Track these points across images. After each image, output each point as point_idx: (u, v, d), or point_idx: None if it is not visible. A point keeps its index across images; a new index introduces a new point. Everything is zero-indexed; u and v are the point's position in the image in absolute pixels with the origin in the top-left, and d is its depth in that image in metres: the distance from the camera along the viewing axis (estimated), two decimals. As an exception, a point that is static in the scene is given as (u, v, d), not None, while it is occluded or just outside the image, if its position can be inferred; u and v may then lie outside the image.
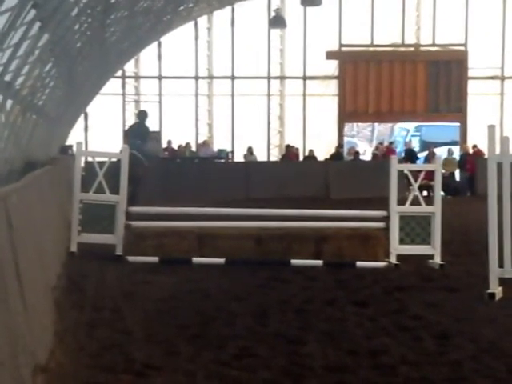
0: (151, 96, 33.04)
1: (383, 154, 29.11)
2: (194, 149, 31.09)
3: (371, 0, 32.68)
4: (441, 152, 28.59)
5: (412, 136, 33.67)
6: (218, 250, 12.26)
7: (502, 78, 33.17)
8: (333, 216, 12.96)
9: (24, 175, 10.34)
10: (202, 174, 24.98)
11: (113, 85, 32.46)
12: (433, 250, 12.19)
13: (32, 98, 20.30)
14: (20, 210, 6.43)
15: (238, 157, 31.15)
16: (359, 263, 11.87)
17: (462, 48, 32.86)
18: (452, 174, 28.00)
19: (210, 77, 33.38)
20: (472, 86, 32.91)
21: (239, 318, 8.30)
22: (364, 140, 34.55)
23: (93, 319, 8.16)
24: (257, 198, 21.87)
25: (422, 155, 30.52)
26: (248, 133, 32.50)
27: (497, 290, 9.45)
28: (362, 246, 12.39)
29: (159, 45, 32.50)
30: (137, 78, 33.30)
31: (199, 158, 29.61)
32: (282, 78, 33.46)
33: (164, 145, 30.40)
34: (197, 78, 33.15)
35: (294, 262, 11.93)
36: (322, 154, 30.36)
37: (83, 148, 16.82)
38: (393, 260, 12.09)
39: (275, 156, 32.99)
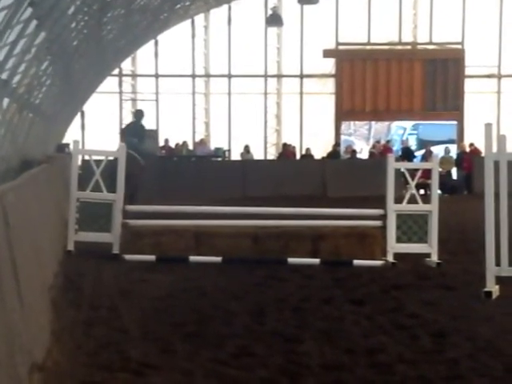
0: (148, 94, 33.00)
1: (380, 152, 29.12)
2: (190, 147, 31.08)
3: (368, -2, 32.69)
4: (438, 150, 28.60)
5: (409, 134, 33.71)
6: (215, 249, 12.26)
7: (499, 77, 33.18)
8: (330, 214, 12.96)
9: (21, 173, 10.33)
10: (199, 172, 24.99)
11: (110, 83, 32.42)
12: (430, 248, 12.20)
13: (29, 96, 20.27)
14: (17, 208, 6.42)
15: (235, 155, 31.15)
16: (356, 262, 11.87)
17: (459, 46, 32.86)
18: (449, 173, 28.03)
19: (207, 75, 33.36)
20: (469, 85, 32.92)
21: (236, 317, 8.30)
22: (361, 138, 34.59)
23: (90, 318, 8.15)
24: (254, 197, 21.88)
25: (418, 153, 30.56)
26: (245, 131, 32.48)
27: (493, 288, 9.45)
28: (359, 245, 12.40)
29: (156, 43, 32.47)
30: (134, 76, 33.27)
31: (196, 156, 29.60)
32: (279, 76, 33.44)
33: (161, 143, 30.39)
34: (194, 76, 33.13)
35: (290, 260, 11.93)
36: (318, 153, 30.36)
37: (80, 146, 16.77)
38: (390, 258, 12.09)
39: (272, 154, 32.98)
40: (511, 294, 9.38)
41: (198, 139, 32.44)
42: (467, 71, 32.81)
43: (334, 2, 32.53)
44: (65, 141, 28.80)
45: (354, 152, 29.60)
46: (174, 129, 32.04)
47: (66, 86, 25.97)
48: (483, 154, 10.78)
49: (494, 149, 9.83)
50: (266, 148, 33.30)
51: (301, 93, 33.18)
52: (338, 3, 32.58)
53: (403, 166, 14.51)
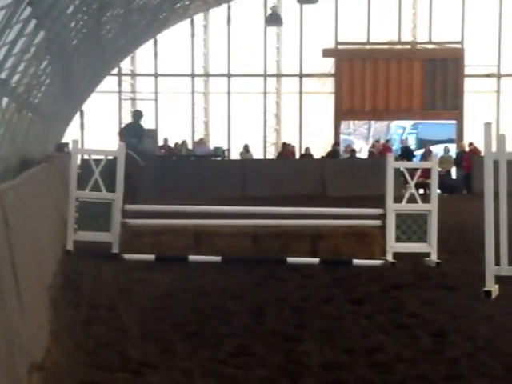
0: (147, 94, 33.00)
1: (379, 151, 29.11)
2: (190, 147, 31.07)
3: (367, -2, 32.69)
4: (437, 150, 28.59)
5: (408, 134, 33.69)
6: (215, 248, 12.26)
7: (499, 76, 33.18)
8: (329, 214, 12.96)
9: (20, 173, 10.32)
10: (199, 171, 24.98)
11: (109, 82, 32.41)
12: (429, 247, 12.19)
13: (28, 95, 20.26)
14: (16, 207, 6.42)
15: (235, 155, 31.14)
16: (356, 261, 11.87)
17: (459, 46, 32.85)
18: (448, 172, 28.03)
19: (207, 74, 33.35)
20: (468, 84, 32.91)
21: (236, 316, 8.29)
22: (360, 138, 34.56)
23: (89, 317, 8.15)
24: (253, 196, 21.88)
25: (418, 153, 30.55)
26: (244, 131, 32.47)
27: (493, 287, 9.45)
28: (358, 244, 12.40)
29: (155, 42, 32.46)
30: (133, 75, 33.26)
31: (195, 155, 29.59)
32: (279, 75, 33.43)
33: (160, 143, 30.38)
34: (193, 75, 33.12)
35: (290, 259, 11.92)
36: (318, 152, 30.36)
37: (79, 146, 16.79)
38: (389, 258, 12.09)
39: (271, 154, 32.97)
40: (511, 294, 9.38)
41: (197, 138, 32.43)
42: (466, 70, 32.80)
43: (333, 1, 32.52)
44: (64, 140, 28.78)
45: (353, 151, 29.59)
46: (173, 128, 32.02)
47: (66, 85, 25.96)
48: (483, 154, 10.78)
49: (494, 148, 9.83)
50: (265, 147, 33.29)
51: (300, 92, 33.17)
52: (338, 3, 32.58)
53: (403, 165, 14.51)
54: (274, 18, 31.96)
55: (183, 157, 29.37)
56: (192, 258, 11.97)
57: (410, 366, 6.54)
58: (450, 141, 32.20)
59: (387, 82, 32.86)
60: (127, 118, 30.22)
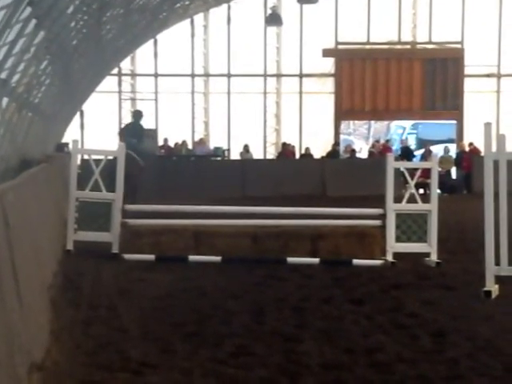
0: (147, 94, 33.00)
1: (379, 151, 29.11)
2: (190, 147, 31.07)
3: (367, -2, 32.70)
4: (437, 150, 28.59)
5: (408, 134, 33.68)
6: (215, 248, 12.26)
7: (499, 76, 33.17)
8: (329, 214, 12.95)
9: (20, 173, 10.32)
10: (199, 171, 24.98)
11: (109, 82, 32.41)
12: (429, 247, 12.19)
13: (28, 95, 20.26)
14: (16, 207, 6.42)
15: (235, 155, 31.14)
16: (356, 261, 11.87)
17: (459, 46, 32.85)
18: (448, 172, 28.03)
19: (207, 74, 33.35)
20: (468, 84, 32.91)
21: (236, 316, 8.29)
22: (360, 138, 34.56)
23: (89, 317, 8.15)
24: (253, 196, 21.88)
25: (418, 153, 30.55)
26: (244, 131, 32.47)
27: (493, 287, 9.44)
28: (358, 244, 12.40)
29: (155, 42, 32.46)
30: (133, 75, 33.26)
31: (195, 155, 29.59)
32: (279, 75, 33.43)
33: (160, 143, 30.38)
34: (193, 75, 33.12)
35: (290, 260, 11.92)
36: (318, 152, 30.36)
37: (79, 146, 16.79)
38: (389, 258, 12.09)
39: (271, 154, 32.97)
40: (511, 294, 9.38)
41: (197, 138, 32.43)
42: (466, 70, 32.80)
43: (333, 1, 32.51)
44: (64, 140, 28.78)
45: (353, 151, 29.59)
46: (173, 128, 32.02)
47: (66, 85, 25.96)
48: (483, 154, 10.78)
49: (494, 148, 9.82)
50: (265, 147, 33.29)
51: (300, 92, 33.17)
52: (338, 3, 32.58)
53: (403, 165, 14.51)
54: (274, 18, 31.96)
55: (183, 157, 29.37)
56: (192, 258, 11.97)
57: (409, 365, 6.54)
58: (450, 141, 32.20)
59: (387, 82, 32.86)
60: (127, 118, 30.22)
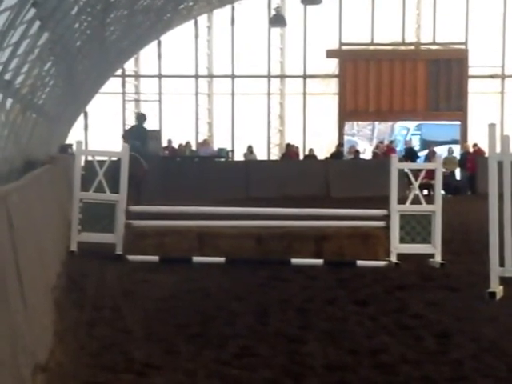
0: (151, 95, 33.03)
1: (383, 152, 29.09)
2: (194, 148, 31.08)
3: (371, -1, 32.70)
4: (441, 151, 28.58)
5: (412, 135, 33.66)
6: (219, 249, 12.25)
7: (503, 77, 33.15)
8: (333, 215, 12.94)
9: (24, 174, 10.33)
10: (202, 173, 24.98)
11: (113, 84, 32.45)
12: (433, 248, 12.18)
13: (32, 96, 20.29)
14: (20, 209, 6.42)
15: (238, 156, 31.15)
16: (360, 262, 11.86)
17: (463, 46, 32.84)
18: (452, 173, 28.00)
19: (210, 75, 33.37)
20: (472, 85, 32.89)
21: (240, 317, 8.29)
22: (364, 139, 34.53)
23: (93, 318, 8.15)
24: (257, 197, 21.87)
25: (422, 154, 30.53)
26: (248, 132, 32.49)
27: (497, 289, 9.43)
28: (362, 245, 12.38)
29: (159, 43, 32.50)
30: (137, 76, 33.29)
31: (199, 157, 29.60)
32: (282, 76, 33.45)
33: (164, 144, 30.40)
34: (197, 76, 33.14)
35: (294, 261, 11.91)
36: (322, 153, 30.36)
37: (83, 147, 16.80)
38: (393, 259, 12.07)
39: (275, 155, 32.99)
40: (515, 295, 9.37)
41: (201, 140, 32.45)
42: (471, 71, 32.79)
43: (337, 2, 32.53)
44: (68, 141, 28.83)
45: (357, 152, 29.58)
46: (177, 129, 32.05)
47: (69, 86, 25.99)
48: (487, 155, 10.76)
49: (498, 149, 9.81)
50: (269, 148, 33.30)
51: (304, 93, 33.18)
52: (342, 4, 32.58)
53: (407, 166, 14.50)
54: (277, 19, 31.97)
55: (187, 158, 29.38)
56: (196, 259, 11.97)
57: (414, 367, 6.53)
58: (454, 142, 32.18)
59: (391, 83, 32.86)
60: (131, 120, 30.27)
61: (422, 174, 13.00)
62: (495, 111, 32.72)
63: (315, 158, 29.20)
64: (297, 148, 30.79)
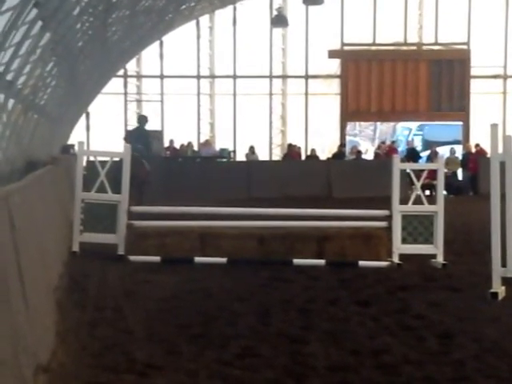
0: (153, 95, 33.05)
1: (385, 153, 29.08)
2: (195, 148, 31.09)
3: (373, -1, 32.71)
4: (443, 151, 28.56)
5: (414, 135, 33.66)
6: (221, 250, 12.24)
7: (505, 77, 33.14)
8: (335, 215, 12.93)
9: (26, 175, 10.33)
10: (204, 173, 24.98)
11: (115, 84, 32.48)
12: (435, 249, 12.16)
13: (34, 97, 20.30)
14: (22, 209, 6.42)
15: (240, 156, 31.16)
16: (362, 263, 11.84)
17: (465, 47, 32.83)
18: (454, 173, 27.99)
19: (212, 76, 33.38)
20: (475, 85, 32.90)
21: (241, 318, 8.28)
22: (366, 139, 34.53)
23: (95, 319, 8.14)
24: (259, 198, 21.86)
25: (424, 154, 30.52)
26: (250, 132, 32.51)
27: (500, 289, 9.42)
28: (364, 246, 12.37)
29: (161, 44, 32.51)
30: (139, 77, 33.31)
31: (201, 157, 29.61)
32: (284, 77, 33.45)
33: (166, 144, 30.41)
34: (199, 77, 33.15)
35: (296, 261, 11.90)
36: (324, 154, 30.35)
37: (85, 147, 16.79)
38: (395, 259, 12.06)
39: (277, 155, 32.99)
40: (517, 295, 9.36)
41: (203, 140, 32.47)
42: (473, 72, 32.79)
43: (339, 2, 32.53)
44: (70, 142, 28.85)
45: (359, 153, 29.56)
46: (179, 130, 32.07)
47: (71, 87, 26.00)
48: (489, 155, 10.74)
49: (500, 149, 9.79)
50: (271, 149, 33.30)
51: (306, 93, 33.19)
52: (344, 4, 32.58)
53: (409, 166, 14.49)
54: (279, 20, 31.98)
55: (189, 158, 29.38)
56: (198, 259, 11.96)
57: (416, 367, 6.52)
58: (456, 142, 32.18)
59: (393, 84, 32.86)
60: (133, 120, 30.27)
61: (424, 175, 12.98)
62: (497, 111, 32.72)
63: (317, 158, 29.20)
64: (299, 148, 30.79)
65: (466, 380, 6.23)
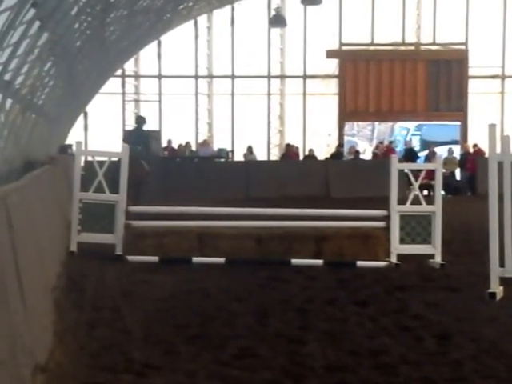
0: (151, 95, 33.03)
1: (383, 153, 29.09)
2: (193, 148, 31.08)
3: (371, -1, 32.70)
4: (441, 151, 28.58)
5: (412, 135, 33.66)
6: (219, 250, 12.24)
7: (503, 77, 33.15)
8: (333, 215, 12.93)
9: (24, 174, 10.32)
10: (202, 173, 24.97)
11: (112, 84, 32.45)
12: (433, 249, 12.17)
13: (31, 97, 20.28)
14: (20, 209, 6.41)
15: (238, 156, 31.15)
16: (360, 263, 11.85)
17: (463, 47, 32.84)
18: (452, 174, 27.99)
19: (210, 76, 33.37)
20: (472, 85, 32.90)
21: (240, 318, 8.28)
22: (364, 139, 34.53)
23: (92, 319, 8.14)
24: (257, 198, 21.86)
25: (422, 154, 30.52)
26: (248, 132, 32.49)
27: (498, 289, 9.43)
28: (362, 246, 12.37)
29: (159, 44, 32.49)
30: (136, 77, 33.29)
31: (199, 157, 29.60)
32: (282, 77, 33.45)
33: (164, 144, 30.39)
34: (197, 77, 33.14)
35: (294, 261, 11.90)
36: (322, 154, 30.35)
37: (83, 147, 16.79)
38: (393, 259, 12.06)
39: (275, 155, 32.98)
40: (515, 295, 9.36)
41: (201, 140, 32.45)
42: (471, 72, 32.79)
43: (337, 2, 32.53)
44: (68, 142, 28.83)
45: (357, 153, 29.57)
46: (176, 130, 32.06)
47: (69, 86, 25.99)
48: (487, 155, 10.75)
49: (498, 149, 9.80)
50: (269, 149, 33.29)
51: (304, 93, 33.18)
52: (342, 4, 32.58)
53: (407, 166, 14.49)
54: (277, 20, 31.97)
55: (187, 158, 29.37)
56: (196, 259, 11.96)
57: (414, 367, 6.52)
58: (454, 142, 32.18)
59: (391, 84, 32.86)
60: (131, 120, 30.26)
61: (422, 175, 12.99)
62: (495, 112, 32.73)
63: (315, 158, 29.20)
64: (297, 148, 30.79)
65: (464, 380, 6.24)
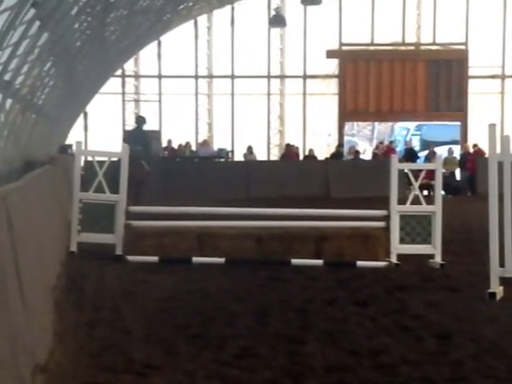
0: (151, 95, 33.03)
1: (383, 153, 29.09)
2: (193, 148, 31.07)
3: (371, -1, 32.70)
4: (441, 151, 28.57)
5: (412, 135, 33.66)
6: (218, 250, 12.24)
7: (503, 77, 33.15)
8: (333, 215, 12.93)
9: (23, 174, 10.32)
10: (202, 173, 24.97)
11: (112, 84, 32.45)
12: (433, 249, 12.17)
13: (31, 97, 20.28)
14: (20, 209, 6.41)
15: (238, 156, 31.15)
16: (360, 263, 11.85)
17: (463, 47, 32.83)
18: (452, 174, 27.99)
19: (210, 76, 33.37)
20: (472, 85, 32.90)
21: (239, 318, 8.28)
22: (364, 139, 34.53)
23: (92, 319, 8.14)
24: (257, 198, 21.86)
25: (422, 154, 30.52)
26: (248, 132, 32.49)
27: (498, 289, 9.43)
28: (362, 246, 12.37)
29: (159, 44, 32.49)
30: (136, 77, 33.28)
31: (199, 157, 29.60)
32: (282, 77, 33.44)
33: (164, 144, 30.39)
34: (197, 77, 33.13)
35: (294, 261, 11.90)
36: (322, 154, 30.35)
37: (83, 147, 16.79)
38: (393, 259, 12.06)
39: (275, 155, 32.98)
40: (515, 295, 9.36)
41: (200, 140, 32.45)
42: (471, 72, 32.78)
43: (337, 2, 32.52)
44: (68, 142, 28.82)
45: (357, 153, 29.57)
46: (176, 130, 32.05)
47: (69, 86, 25.99)
48: (487, 155, 10.75)
49: (498, 149, 9.80)
50: (269, 149, 33.29)
51: (304, 93, 33.18)
52: (342, 4, 32.58)
53: (407, 166, 14.49)
54: (277, 20, 31.97)
55: (187, 158, 29.37)
56: (196, 259, 11.96)
57: (414, 367, 6.52)
58: (454, 142, 32.18)
59: (391, 84, 32.86)
60: (131, 120, 30.26)
61: (422, 175, 12.99)
62: (495, 111, 32.72)
63: (315, 158, 29.20)
64: (297, 148, 30.79)
65: (464, 380, 6.24)
